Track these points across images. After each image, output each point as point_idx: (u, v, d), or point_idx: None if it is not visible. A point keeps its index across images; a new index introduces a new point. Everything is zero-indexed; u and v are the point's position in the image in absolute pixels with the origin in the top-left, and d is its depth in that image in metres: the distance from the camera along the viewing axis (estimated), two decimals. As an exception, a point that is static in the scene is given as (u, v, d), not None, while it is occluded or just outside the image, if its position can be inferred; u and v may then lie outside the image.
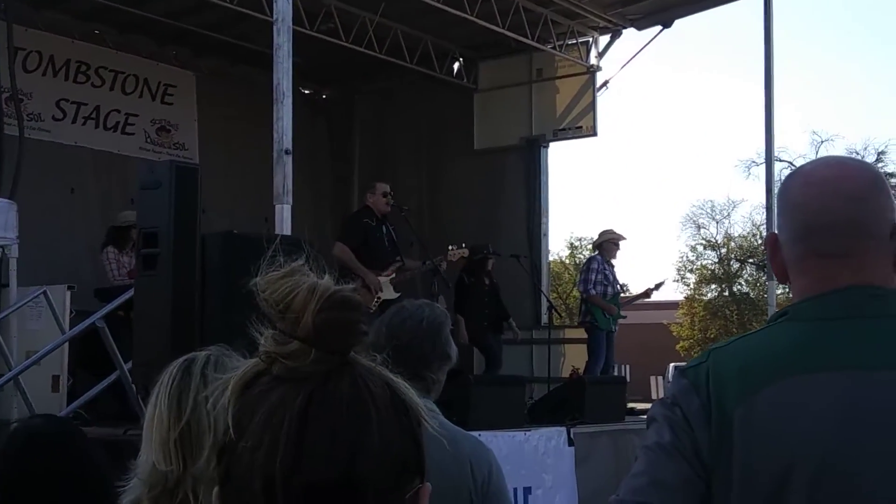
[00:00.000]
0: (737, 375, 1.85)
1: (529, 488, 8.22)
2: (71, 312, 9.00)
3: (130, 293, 7.90)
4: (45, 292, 8.85)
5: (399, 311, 3.18)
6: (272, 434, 1.13)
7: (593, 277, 12.13)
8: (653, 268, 64.06)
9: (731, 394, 1.83)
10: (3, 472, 2.91)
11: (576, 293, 13.23)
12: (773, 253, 2.01)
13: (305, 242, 1.32)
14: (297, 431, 1.13)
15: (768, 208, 13.42)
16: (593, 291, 12.07)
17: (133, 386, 7.68)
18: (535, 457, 8.36)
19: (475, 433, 6.20)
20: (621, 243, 12.61)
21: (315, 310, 1.16)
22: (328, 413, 1.14)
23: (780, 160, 31.13)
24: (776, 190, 14.13)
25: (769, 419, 1.80)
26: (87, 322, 8.20)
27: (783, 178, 2.11)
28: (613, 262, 12.49)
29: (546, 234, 14.81)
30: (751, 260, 41.10)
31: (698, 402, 1.86)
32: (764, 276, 31.91)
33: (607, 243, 12.49)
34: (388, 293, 9.82)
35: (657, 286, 12.75)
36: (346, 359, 1.19)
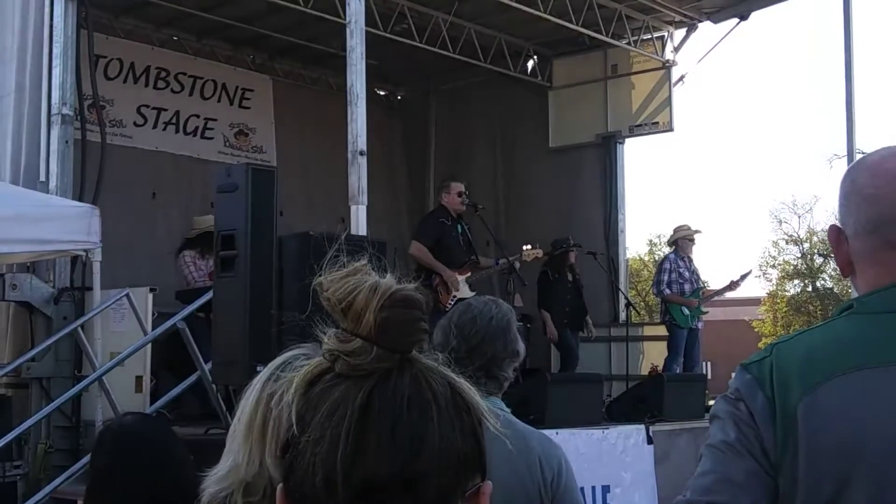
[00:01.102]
0: (800, 370, 1.82)
1: (608, 486, 8.17)
2: (153, 314, 9.15)
3: (209, 295, 8.02)
4: (127, 295, 9.00)
5: (467, 310, 3.15)
6: (333, 429, 1.15)
7: (665, 277, 12.08)
8: (734, 264, 63.26)
9: (794, 388, 1.80)
10: (98, 468, 2.99)
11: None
12: (837, 245, 1.98)
13: (368, 242, 1.34)
14: (358, 427, 1.15)
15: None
16: (667, 291, 12.00)
17: (213, 385, 7.80)
18: (614, 455, 8.31)
19: (552, 431, 6.20)
20: (697, 237, 12.50)
21: (377, 308, 1.18)
22: (388, 409, 1.16)
23: (863, 153, 30.55)
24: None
25: (833, 413, 1.77)
26: (169, 323, 8.34)
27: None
28: (691, 256, 12.37)
29: (623, 231, 14.70)
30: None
31: (763, 398, 1.83)
32: (848, 270, 31.29)
33: (682, 240, 12.40)
34: (465, 291, 9.84)
35: (742, 277, 12.58)
36: (408, 356, 1.20)
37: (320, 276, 1.23)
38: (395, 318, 1.19)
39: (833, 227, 2.00)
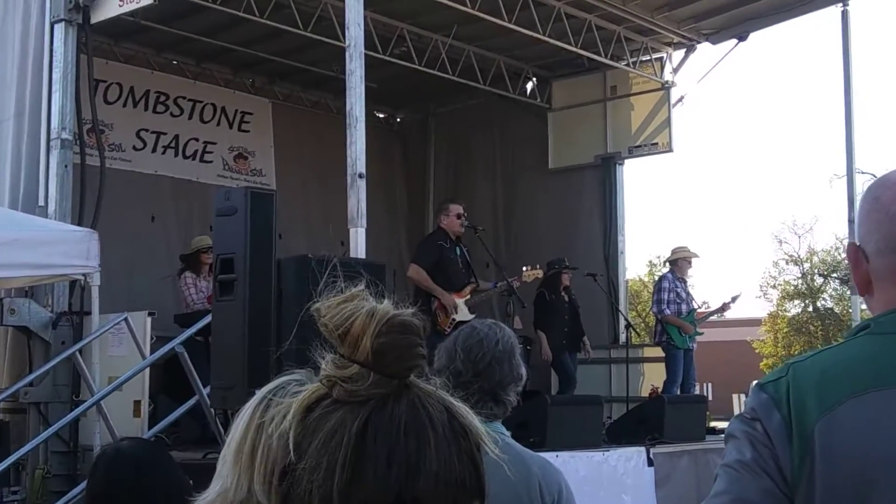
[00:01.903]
0: (817, 389, 1.81)
1: (609, 509, 8.13)
2: (151, 338, 9.13)
3: (209, 318, 8.01)
4: (126, 319, 8.99)
5: (472, 334, 3.12)
6: (330, 456, 1.15)
7: (665, 297, 12.08)
8: (734, 285, 63.25)
9: (811, 408, 1.79)
10: (93, 494, 2.98)
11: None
12: (855, 263, 1.96)
13: (364, 266, 1.33)
14: (355, 453, 1.14)
15: (851, 221, 13.18)
16: (667, 311, 12.00)
17: (212, 410, 7.78)
18: (614, 477, 8.28)
19: (552, 454, 6.17)
20: (694, 261, 12.52)
21: (373, 334, 1.17)
22: (386, 435, 1.15)
23: (863, 172, 30.59)
24: (857, 202, 13.88)
25: (850, 435, 1.76)
26: (167, 347, 8.32)
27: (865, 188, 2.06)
28: (687, 279, 12.38)
29: (623, 253, 14.70)
30: (834, 274, 40.37)
31: (779, 417, 1.81)
32: (849, 290, 31.34)
33: (680, 261, 12.41)
34: (464, 314, 9.82)
35: (733, 299, 12.60)
36: (405, 382, 1.19)
37: (317, 301, 1.23)
38: (393, 343, 1.18)
39: (852, 244, 1.97)
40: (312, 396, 1.21)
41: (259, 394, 2.33)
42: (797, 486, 1.77)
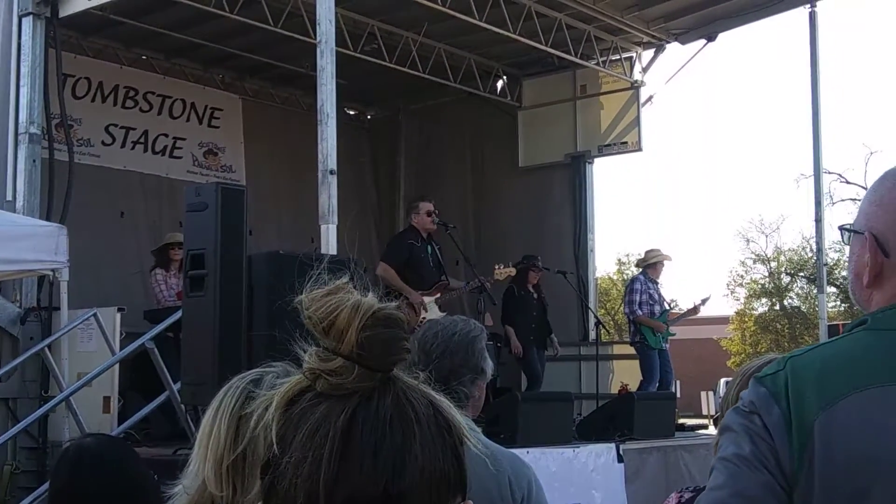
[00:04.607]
0: (816, 384, 1.80)
1: (579, 505, 8.17)
2: (121, 334, 9.09)
3: (179, 314, 7.97)
4: (95, 314, 8.94)
5: (431, 326, 3.15)
6: (316, 449, 1.15)
7: (637, 298, 12.12)
8: (702, 283, 63.57)
9: (810, 403, 1.78)
10: (55, 490, 2.97)
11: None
12: (874, 253, 1.91)
13: (350, 261, 1.34)
14: (341, 447, 1.14)
15: (817, 221, 13.29)
16: (640, 312, 12.04)
17: (182, 406, 7.74)
18: (585, 473, 8.31)
19: (523, 450, 6.19)
20: (666, 263, 12.58)
21: (359, 327, 1.17)
22: (371, 429, 1.15)
23: (830, 172, 30.84)
24: (825, 202, 14.00)
25: (850, 430, 1.75)
26: (137, 343, 8.28)
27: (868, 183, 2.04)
28: (658, 280, 12.44)
29: (593, 251, 14.76)
30: (801, 273, 40.68)
31: (778, 411, 1.80)
32: (815, 289, 31.57)
33: (652, 262, 12.46)
34: (434, 313, 9.81)
35: (703, 301, 12.68)
36: (390, 376, 1.20)
37: (294, 295, 1.23)
38: (378, 337, 1.18)
39: (865, 234, 1.93)
40: (295, 389, 1.21)
41: (232, 382, 2.32)
42: (796, 480, 1.77)
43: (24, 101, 9.40)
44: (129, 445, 3.47)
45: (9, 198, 9.29)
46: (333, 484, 1.13)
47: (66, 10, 9.61)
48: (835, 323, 21.62)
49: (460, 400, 3.07)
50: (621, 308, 13.35)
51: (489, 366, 3.15)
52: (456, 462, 1.21)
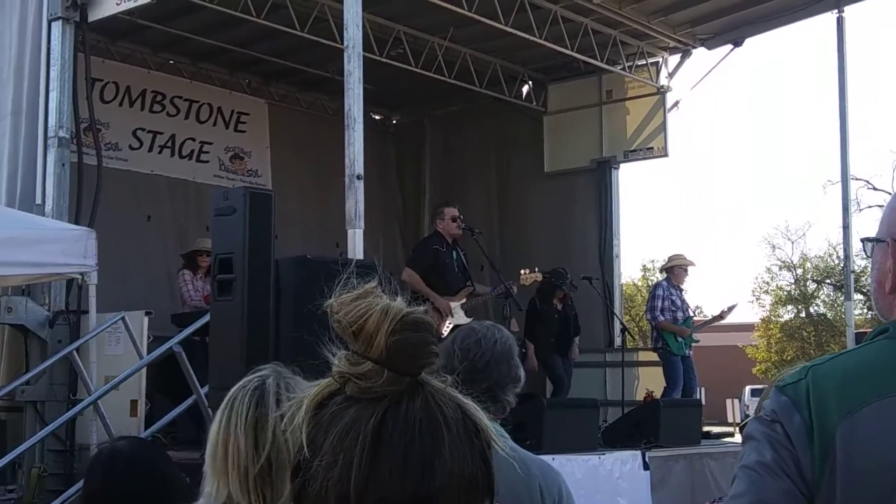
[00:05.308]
0: (837, 393, 1.80)
1: (604, 512, 8.15)
2: (148, 338, 9.14)
3: (206, 318, 8.01)
4: (123, 318, 8.99)
5: (470, 333, 3.12)
6: (346, 453, 1.16)
7: (659, 304, 12.07)
8: (727, 290, 63.30)
9: (832, 411, 1.78)
10: (89, 492, 2.99)
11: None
12: None
13: (378, 266, 1.34)
14: (371, 451, 1.15)
15: (845, 227, 13.21)
16: (661, 318, 11.99)
17: (210, 410, 7.77)
18: (610, 480, 8.29)
19: (548, 457, 6.18)
20: (690, 269, 12.52)
21: (388, 331, 1.18)
22: (401, 433, 1.16)
23: (857, 179, 30.65)
24: (852, 209, 13.90)
25: (872, 438, 1.76)
26: (165, 347, 8.32)
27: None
28: (682, 287, 12.38)
29: (618, 256, 14.71)
30: (828, 280, 40.44)
31: (800, 420, 1.81)
32: (841, 296, 31.37)
33: (677, 268, 12.42)
34: (460, 318, 9.81)
35: (730, 309, 12.60)
36: (418, 379, 1.20)
37: (323, 299, 1.23)
38: (407, 341, 1.19)
39: (892, 239, 1.93)
40: (324, 392, 1.22)
41: (233, 393, 2.31)
42: (818, 488, 1.77)
43: (53, 105, 9.46)
44: (162, 448, 3.50)
45: (38, 201, 9.35)
46: (364, 487, 1.14)
47: (95, 15, 9.67)
48: (862, 330, 21.46)
49: (504, 409, 3.07)
50: (645, 315, 13.29)
51: (523, 373, 3.16)
52: (484, 465, 1.21)
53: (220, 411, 2.32)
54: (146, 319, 9.17)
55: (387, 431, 1.16)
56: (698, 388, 12.57)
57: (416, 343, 1.20)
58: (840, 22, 12.99)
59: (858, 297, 35.35)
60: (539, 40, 12.54)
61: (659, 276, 16.00)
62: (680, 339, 11.98)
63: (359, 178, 7.79)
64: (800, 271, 42.32)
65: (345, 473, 1.15)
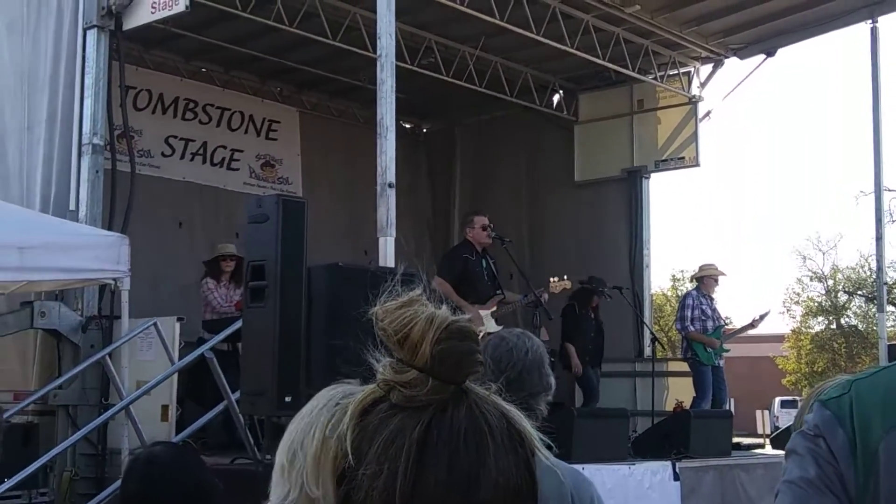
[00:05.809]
0: (880, 408, 1.78)
1: (634, 523, 8.11)
2: (180, 344, 9.18)
3: (238, 325, 8.04)
4: (155, 324, 9.03)
5: (501, 343, 3.10)
6: (391, 462, 1.15)
7: (689, 314, 12.00)
8: (758, 300, 62.89)
9: (875, 427, 1.77)
10: (126, 496, 3.01)
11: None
12: None
13: (421, 274, 1.35)
14: (417, 460, 1.15)
15: (878, 238, 13.12)
16: (691, 328, 11.92)
17: (240, 416, 7.80)
18: (640, 491, 8.26)
19: (578, 466, 6.17)
20: (720, 279, 12.45)
21: (433, 340, 1.18)
22: (446, 442, 1.16)
23: (891, 190, 30.38)
24: (885, 220, 13.79)
25: None
26: (197, 353, 8.36)
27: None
28: (713, 296, 12.32)
29: (648, 266, 14.68)
30: (859, 292, 40.15)
31: (843, 435, 1.79)
32: (874, 308, 31.12)
33: (707, 278, 12.35)
34: (491, 326, 9.79)
35: (762, 317, 12.51)
36: (463, 388, 1.20)
37: (362, 306, 1.23)
38: (452, 349, 1.19)
39: None
40: (368, 399, 1.21)
41: (319, 400, 2.28)
42: (861, 503, 1.77)
43: (87, 112, 9.52)
44: (196, 454, 3.52)
45: (72, 207, 9.41)
46: (409, 497, 1.13)
47: (130, 24, 9.73)
48: (895, 343, 21.30)
49: (538, 418, 3.05)
50: (675, 325, 13.23)
51: (553, 381, 3.15)
52: (528, 475, 1.21)
53: (303, 414, 2.32)
54: (178, 325, 9.22)
55: (432, 440, 1.15)
56: (728, 399, 12.49)
57: (461, 351, 1.19)
58: (874, 32, 12.94)
59: (891, 308, 35.16)
60: (570, 50, 12.54)
61: (689, 286, 15.93)
62: (709, 350, 11.91)
63: (391, 186, 7.81)
64: (831, 282, 42.04)
65: (390, 483, 1.14)
